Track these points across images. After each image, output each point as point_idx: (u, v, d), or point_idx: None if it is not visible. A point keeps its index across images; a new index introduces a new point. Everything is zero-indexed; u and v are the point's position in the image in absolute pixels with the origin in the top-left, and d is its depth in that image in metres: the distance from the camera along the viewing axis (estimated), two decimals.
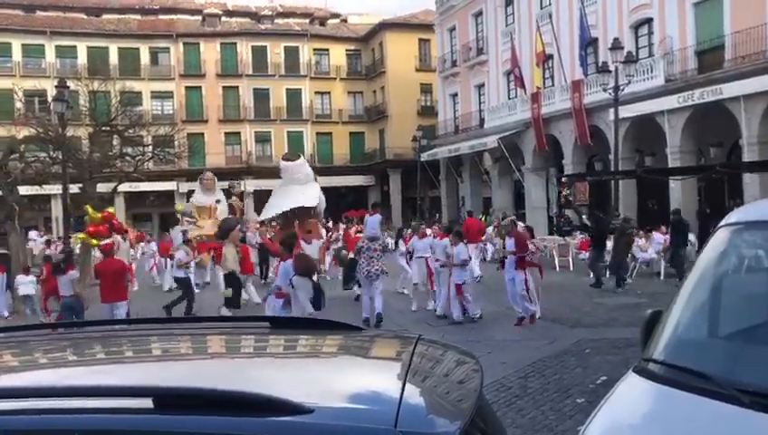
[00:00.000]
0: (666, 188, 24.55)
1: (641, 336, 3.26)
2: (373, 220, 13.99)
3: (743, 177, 21.53)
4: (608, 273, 17.17)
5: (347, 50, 52.17)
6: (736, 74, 21.19)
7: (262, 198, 25.90)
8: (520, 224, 15.54)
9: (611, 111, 22.45)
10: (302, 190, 18.18)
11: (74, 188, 21.40)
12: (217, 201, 20.21)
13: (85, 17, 49.23)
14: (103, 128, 22.51)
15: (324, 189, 20.14)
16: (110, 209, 18.77)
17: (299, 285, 8.17)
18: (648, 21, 26.57)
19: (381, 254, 12.61)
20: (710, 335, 3.28)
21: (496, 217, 28.26)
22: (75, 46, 46.02)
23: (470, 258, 13.60)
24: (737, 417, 2.44)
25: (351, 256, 14.37)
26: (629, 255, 17.51)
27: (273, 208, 18.84)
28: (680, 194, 23.80)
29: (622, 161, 23.81)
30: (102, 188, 22.94)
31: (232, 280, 13.71)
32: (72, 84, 21.66)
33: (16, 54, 44.97)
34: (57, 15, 48.49)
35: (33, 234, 31.57)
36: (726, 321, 3.32)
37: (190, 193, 45.05)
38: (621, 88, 21.38)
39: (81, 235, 18.05)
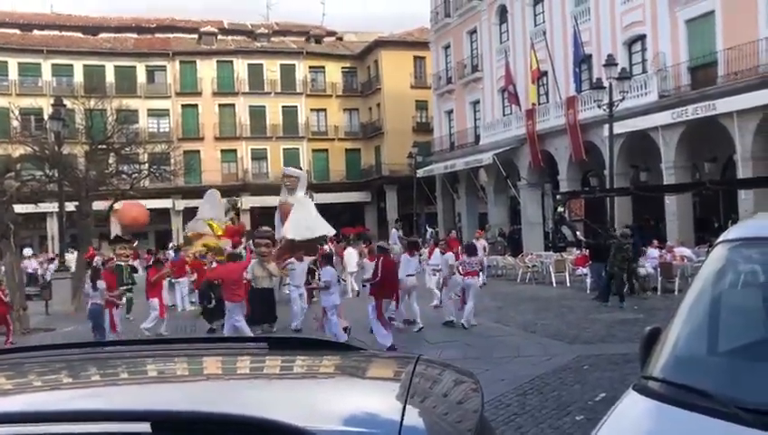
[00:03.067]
0: (661, 203, 24.62)
1: (640, 353, 3.23)
2: (392, 234, 15.05)
3: (738, 191, 21.60)
4: (588, 287, 17.64)
5: (342, 67, 52.42)
6: (729, 90, 21.33)
7: (259, 215, 25.84)
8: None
9: (606, 126, 22.54)
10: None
11: (70, 207, 21.34)
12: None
13: (82, 36, 49.41)
14: (99, 146, 22.54)
15: (321, 206, 19.89)
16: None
17: None
18: (642, 37, 26.78)
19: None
20: (710, 352, 3.26)
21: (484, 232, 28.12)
22: (72, 65, 46.11)
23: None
24: None
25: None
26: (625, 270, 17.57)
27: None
28: (676, 208, 23.88)
29: (617, 177, 23.87)
30: (99, 205, 22.90)
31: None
32: (68, 103, 21.71)
33: (13, 73, 45.10)
34: (53, 35, 48.67)
35: (27, 251, 31.42)
36: (726, 337, 3.29)
37: (186, 211, 45.41)
38: (616, 104, 21.48)
39: (208, 242, 17.77)
